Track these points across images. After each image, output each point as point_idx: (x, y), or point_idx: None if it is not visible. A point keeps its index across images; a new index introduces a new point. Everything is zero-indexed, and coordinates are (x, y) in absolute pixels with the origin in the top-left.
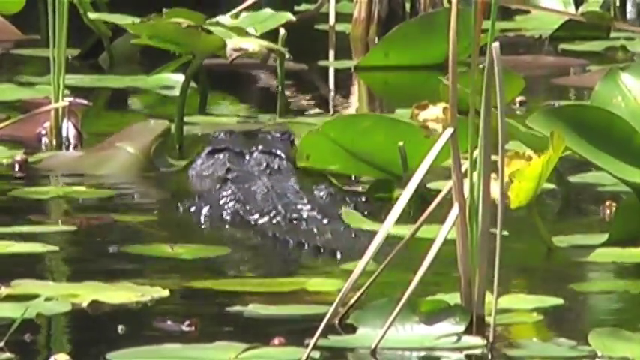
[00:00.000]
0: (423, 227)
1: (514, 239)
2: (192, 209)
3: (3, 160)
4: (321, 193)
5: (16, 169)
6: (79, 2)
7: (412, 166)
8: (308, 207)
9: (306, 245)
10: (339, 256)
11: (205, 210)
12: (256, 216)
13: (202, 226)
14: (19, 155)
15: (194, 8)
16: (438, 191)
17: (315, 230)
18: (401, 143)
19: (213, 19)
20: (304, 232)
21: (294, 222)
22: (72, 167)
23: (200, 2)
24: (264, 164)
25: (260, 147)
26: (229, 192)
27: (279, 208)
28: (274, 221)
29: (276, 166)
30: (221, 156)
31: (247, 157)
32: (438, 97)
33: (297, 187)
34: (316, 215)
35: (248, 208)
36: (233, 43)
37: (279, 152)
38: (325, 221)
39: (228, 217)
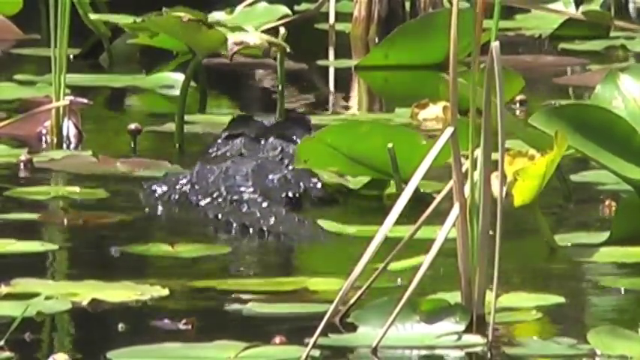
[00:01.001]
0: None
1: (516, 238)
2: (151, 189)
3: (5, 159)
4: (274, 177)
5: (21, 168)
6: (78, 2)
7: (410, 169)
8: (251, 189)
9: (250, 229)
10: (282, 239)
11: (160, 190)
12: (200, 197)
13: (167, 212)
14: (24, 155)
15: (193, 7)
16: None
17: (258, 213)
18: (390, 145)
19: (208, 16)
20: (246, 215)
21: (234, 204)
22: (75, 169)
23: (200, 1)
24: (279, 149)
25: (276, 132)
26: (187, 174)
27: (222, 189)
28: (215, 203)
29: (291, 151)
30: (237, 141)
31: (263, 142)
32: (438, 96)
33: (250, 170)
34: (257, 198)
35: (196, 188)
36: (234, 36)
37: (294, 137)
38: (265, 204)
39: (176, 197)
